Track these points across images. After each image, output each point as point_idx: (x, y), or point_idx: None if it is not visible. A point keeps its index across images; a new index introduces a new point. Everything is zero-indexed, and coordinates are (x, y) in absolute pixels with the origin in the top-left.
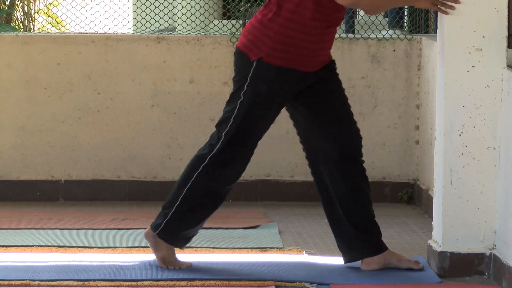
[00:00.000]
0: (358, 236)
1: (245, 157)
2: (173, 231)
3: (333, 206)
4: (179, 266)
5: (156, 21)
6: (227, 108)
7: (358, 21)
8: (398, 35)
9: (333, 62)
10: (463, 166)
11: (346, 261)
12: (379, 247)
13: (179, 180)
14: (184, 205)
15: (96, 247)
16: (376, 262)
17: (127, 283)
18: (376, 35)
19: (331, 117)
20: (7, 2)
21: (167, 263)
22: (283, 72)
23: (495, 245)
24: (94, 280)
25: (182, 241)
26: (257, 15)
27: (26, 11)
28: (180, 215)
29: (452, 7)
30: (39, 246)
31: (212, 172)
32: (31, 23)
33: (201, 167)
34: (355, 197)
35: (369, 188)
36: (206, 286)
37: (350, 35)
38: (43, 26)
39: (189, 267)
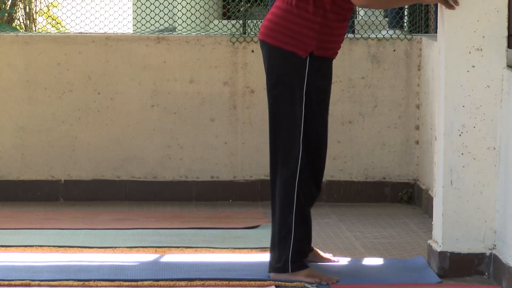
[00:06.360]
0: None
1: (324, 155)
2: (300, 256)
3: None
4: (323, 276)
5: (156, 21)
6: (288, 118)
7: (358, 21)
8: (398, 35)
9: None
10: (463, 166)
11: None
12: None
13: (277, 213)
14: (298, 229)
15: (96, 247)
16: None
17: (127, 283)
18: (376, 35)
19: None
20: (8, 3)
21: (315, 276)
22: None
23: (495, 245)
24: (94, 280)
25: (304, 255)
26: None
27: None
28: (299, 239)
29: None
30: (39, 246)
31: (305, 181)
32: (32, 24)
33: (296, 184)
34: None
35: None
36: (206, 286)
37: (350, 35)
38: (43, 26)
39: (190, 267)
